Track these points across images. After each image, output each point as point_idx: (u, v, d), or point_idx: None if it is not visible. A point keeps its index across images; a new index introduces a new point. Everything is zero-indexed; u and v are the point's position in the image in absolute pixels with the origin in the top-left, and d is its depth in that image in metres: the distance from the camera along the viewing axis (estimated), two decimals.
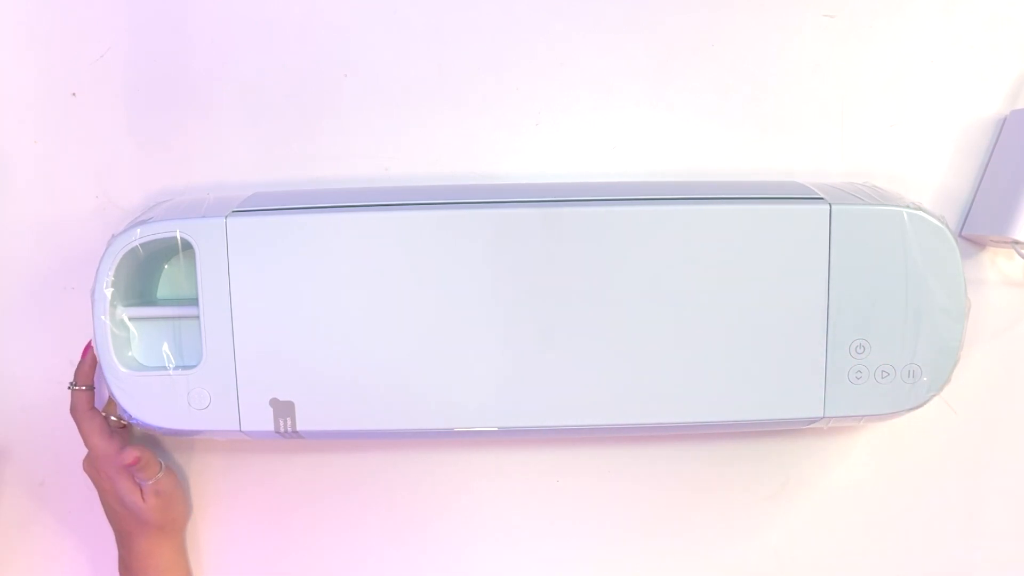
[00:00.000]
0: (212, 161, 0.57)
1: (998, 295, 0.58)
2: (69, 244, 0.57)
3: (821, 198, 0.51)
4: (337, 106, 0.57)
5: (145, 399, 0.51)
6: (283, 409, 0.50)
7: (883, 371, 0.51)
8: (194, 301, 0.50)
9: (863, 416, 0.52)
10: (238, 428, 0.51)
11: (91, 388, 0.55)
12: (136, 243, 0.50)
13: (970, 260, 0.58)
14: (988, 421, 0.59)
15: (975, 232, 0.57)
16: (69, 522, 0.60)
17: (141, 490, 0.54)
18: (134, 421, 0.51)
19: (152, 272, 0.55)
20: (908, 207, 0.50)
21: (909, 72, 0.57)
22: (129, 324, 0.52)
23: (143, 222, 0.50)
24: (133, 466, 0.53)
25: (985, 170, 0.57)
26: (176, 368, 0.51)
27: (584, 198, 0.50)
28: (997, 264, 0.58)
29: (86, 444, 0.54)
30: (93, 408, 0.54)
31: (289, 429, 0.51)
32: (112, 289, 0.50)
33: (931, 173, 0.58)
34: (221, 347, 0.50)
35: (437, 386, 0.50)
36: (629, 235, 0.50)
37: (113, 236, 0.51)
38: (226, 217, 0.49)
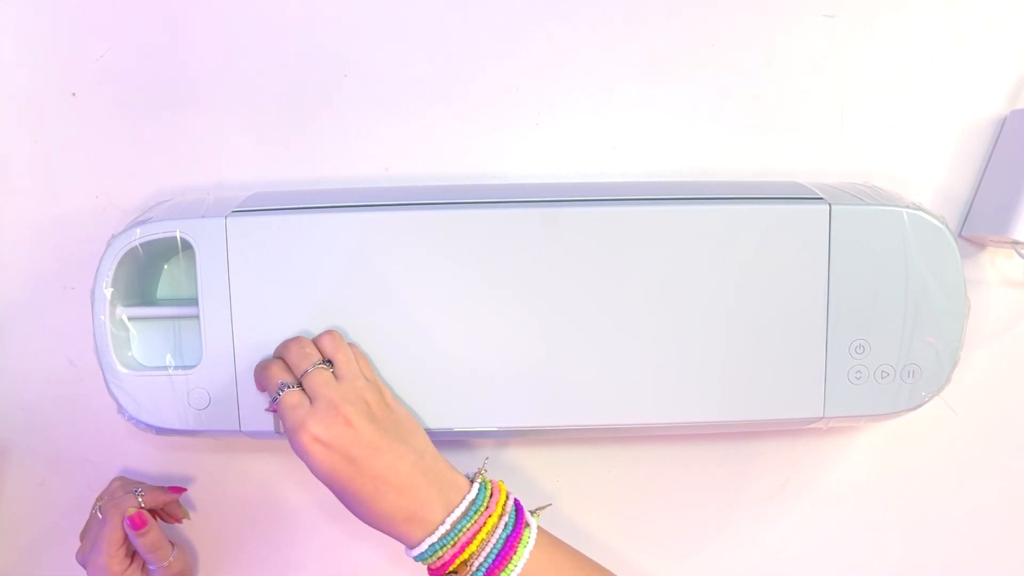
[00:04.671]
0: (212, 161, 0.57)
1: (998, 295, 0.58)
2: (69, 244, 0.57)
3: (821, 198, 0.51)
4: (337, 106, 0.57)
5: (145, 399, 0.51)
6: None
7: (883, 371, 0.51)
8: (194, 301, 0.50)
9: (863, 416, 0.52)
10: (238, 428, 0.51)
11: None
12: (136, 243, 0.50)
13: (970, 260, 0.58)
14: (988, 421, 0.59)
15: (975, 232, 0.57)
16: (69, 522, 0.60)
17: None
18: (134, 421, 0.51)
19: (152, 272, 0.55)
20: (908, 207, 0.50)
21: (909, 72, 0.57)
22: (129, 324, 0.52)
23: (143, 222, 0.50)
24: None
25: (985, 170, 0.57)
26: (176, 368, 0.51)
27: (584, 198, 0.50)
28: (997, 264, 0.58)
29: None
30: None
31: None
32: (112, 289, 0.50)
33: (931, 173, 0.58)
34: (221, 347, 0.50)
35: (437, 386, 0.50)
36: (629, 235, 0.50)
37: (113, 236, 0.51)
38: (226, 217, 0.49)
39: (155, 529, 0.53)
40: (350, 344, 0.49)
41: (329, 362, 0.47)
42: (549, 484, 0.60)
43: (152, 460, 0.59)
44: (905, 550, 0.61)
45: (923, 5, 0.57)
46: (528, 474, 0.59)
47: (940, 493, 0.60)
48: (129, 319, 0.52)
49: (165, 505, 0.56)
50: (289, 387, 0.46)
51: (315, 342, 0.49)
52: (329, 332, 0.49)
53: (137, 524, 0.52)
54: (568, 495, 0.60)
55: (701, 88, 0.57)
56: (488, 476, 0.48)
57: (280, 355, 0.49)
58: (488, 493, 0.47)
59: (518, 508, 0.47)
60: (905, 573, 0.61)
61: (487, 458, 0.50)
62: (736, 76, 0.57)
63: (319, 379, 0.46)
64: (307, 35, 0.56)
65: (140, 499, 0.54)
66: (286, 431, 0.45)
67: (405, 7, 0.56)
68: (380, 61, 0.57)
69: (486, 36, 0.57)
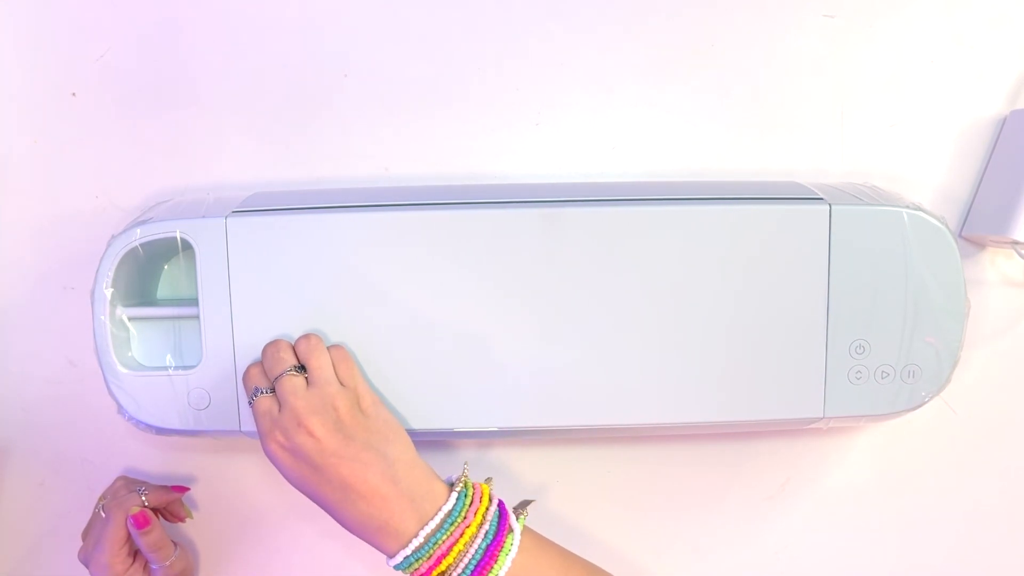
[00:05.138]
0: (212, 161, 0.57)
1: (998, 295, 0.58)
2: (69, 244, 0.57)
3: (821, 198, 0.51)
4: (337, 106, 0.57)
5: (145, 399, 0.51)
6: None
7: (883, 371, 0.51)
8: (194, 301, 0.50)
9: (863, 416, 0.52)
10: (238, 428, 0.51)
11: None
12: (136, 243, 0.50)
13: (970, 260, 0.58)
14: (988, 421, 0.59)
15: (975, 232, 0.57)
16: (69, 522, 0.60)
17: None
18: (134, 421, 0.51)
19: (152, 272, 0.55)
20: (908, 207, 0.50)
21: (909, 72, 0.57)
22: (129, 324, 0.52)
23: (143, 222, 0.50)
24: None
25: (985, 170, 0.57)
26: (176, 368, 0.51)
27: (584, 198, 0.50)
28: (997, 264, 0.58)
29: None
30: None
31: None
32: (112, 289, 0.50)
33: (931, 173, 0.58)
34: (221, 347, 0.50)
35: (437, 386, 0.50)
36: (629, 235, 0.50)
37: (113, 236, 0.51)
38: (226, 217, 0.49)
39: (158, 528, 0.53)
40: (335, 346, 0.49)
41: (303, 367, 0.47)
42: (548, 484, 0.60)
43: (152, 460, 0.59)
44: (905, 550, 0.61)
45: (923, 5, 0.57)
46: (527, 474, 0.59)
47: (940, 493, 0.60)
48: (129, 319, 0.52)
49: (168, 504, 0.56)
50: (263, 392, 0.46)
51: (294, 346, 0.48)
52: (306, 336, 0.48)
53: (141, 523, 0.52)
54: (568, 495, 0.60)
55: (701, 88, 0.57)
56: (471, 480, 0.47)
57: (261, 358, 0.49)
58: (467, 502, 0.45)
59: (502, 513, 0.46)
60: (905, 573, 0.61)
61: (466, 463, 0.49)
62: (736, 76, 0.57)
63: (287, 386, 0.46)
64: (307, 35, 0.57)
65: (144, 498, 0.54)
66: (259, 436, 0.46)
67: (405, 7, 0.56)
68: (380, 61, 0.57)
69: (486, 36, 0.57)
